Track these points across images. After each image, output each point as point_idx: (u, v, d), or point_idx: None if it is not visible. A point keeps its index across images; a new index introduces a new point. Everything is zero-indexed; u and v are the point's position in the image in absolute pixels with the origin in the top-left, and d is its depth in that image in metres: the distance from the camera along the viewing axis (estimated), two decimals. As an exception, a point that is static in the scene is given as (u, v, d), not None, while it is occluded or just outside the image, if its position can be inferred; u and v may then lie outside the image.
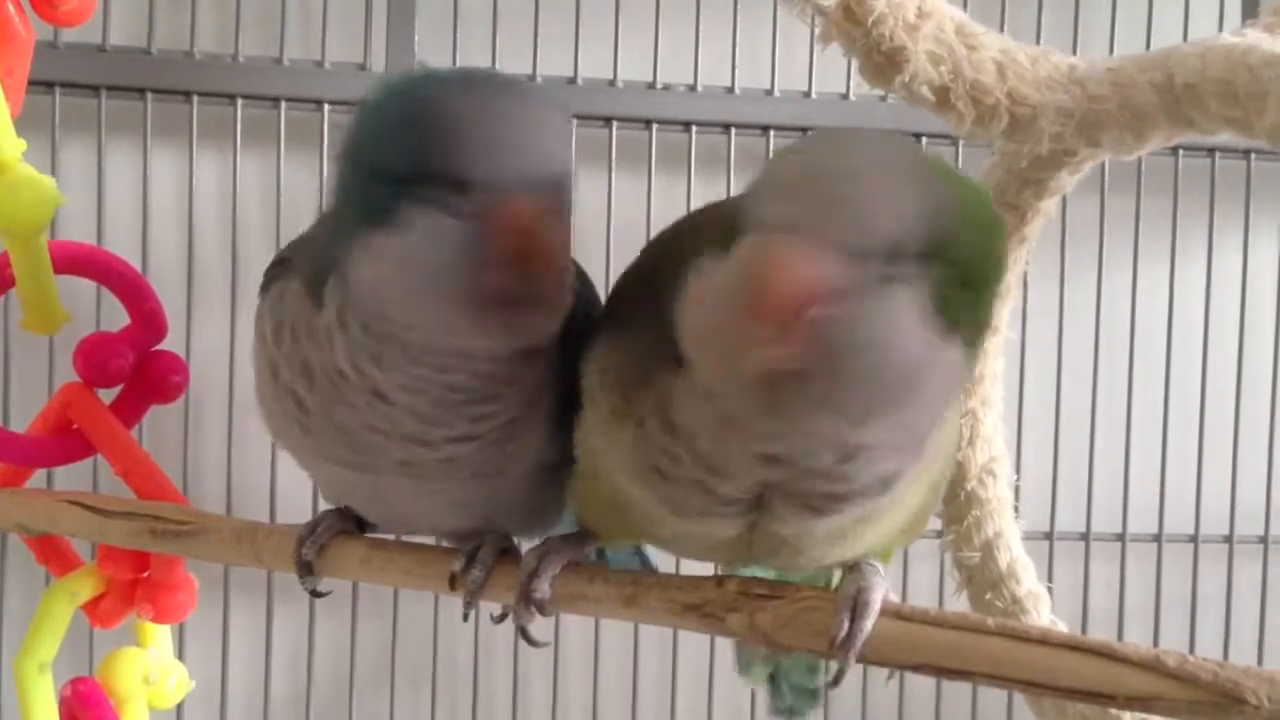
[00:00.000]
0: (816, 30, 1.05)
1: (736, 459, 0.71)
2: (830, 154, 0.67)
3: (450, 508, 0.90)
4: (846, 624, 0.74)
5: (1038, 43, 1.17)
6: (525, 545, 0.91)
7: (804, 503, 0.73)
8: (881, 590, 0.76)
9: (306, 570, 0.94)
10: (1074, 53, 1.28)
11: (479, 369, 0.78)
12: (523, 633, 0.88)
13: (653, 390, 0.73)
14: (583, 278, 0.88)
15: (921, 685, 1.52)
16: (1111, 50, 1.51)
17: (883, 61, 1.02)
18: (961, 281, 0.66)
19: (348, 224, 0.76)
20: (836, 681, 0.77)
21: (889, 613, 0.75)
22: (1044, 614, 1.20)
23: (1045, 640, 0.73)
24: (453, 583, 0.88)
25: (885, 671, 0.78)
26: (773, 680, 1.08)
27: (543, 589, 0.84)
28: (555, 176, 0.73)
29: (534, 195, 0.71)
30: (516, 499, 0.89)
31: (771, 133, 1.50)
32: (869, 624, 0.74)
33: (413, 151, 0.72)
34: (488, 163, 0.71)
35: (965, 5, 1.10)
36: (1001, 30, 1.08)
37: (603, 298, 0.88)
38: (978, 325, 0.70)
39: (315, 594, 0.98)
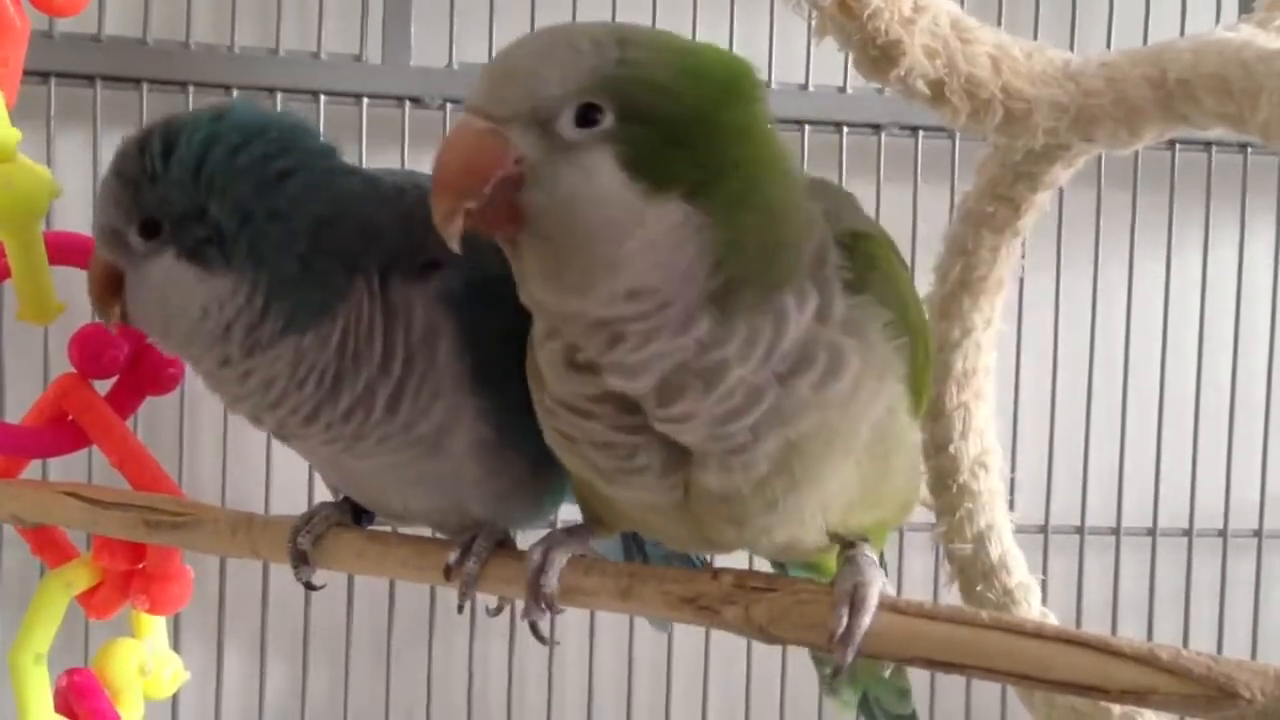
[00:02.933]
0: (812, 23, 1.05)
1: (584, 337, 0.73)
2: (515, 42, 0.71)
3: (405, 484, 0.90)
4: (845, 619, 0.74)
5: (1035, 38, 1.17)
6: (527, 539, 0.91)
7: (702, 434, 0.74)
8: (879, 584, 0.76)
9: (301, 560, 0.95)
10: (1071, 49, 1.28)
11: None
12: (533, 629, 0.88)
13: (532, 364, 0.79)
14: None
15: (917, 678, 1.52)
16: (1109, 46, 1.51)
17: (878, 55, 1.02)
18: (667, 139, 0.67)
19: None
20: (835, 676, 0.77)
21: (885, 606, 0.75)
22: (1034, 605, 1.21)
23: (1040, 634, 0.73)
24: (448, 574, 0.88)
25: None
26: (864, 706, 1.05)
27: (551, 584, 0.84)
28: None
29: None
30: (472, 478, 0.89)
31: (768, 126, 1.49)
32: (867, 619, 0.74)
33: None
34: None
35: (962, 1, 1.10)
36: (999, 26, 1.08)
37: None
38: (701, 179, 0.68)
39: (310, 587, 0.98)
